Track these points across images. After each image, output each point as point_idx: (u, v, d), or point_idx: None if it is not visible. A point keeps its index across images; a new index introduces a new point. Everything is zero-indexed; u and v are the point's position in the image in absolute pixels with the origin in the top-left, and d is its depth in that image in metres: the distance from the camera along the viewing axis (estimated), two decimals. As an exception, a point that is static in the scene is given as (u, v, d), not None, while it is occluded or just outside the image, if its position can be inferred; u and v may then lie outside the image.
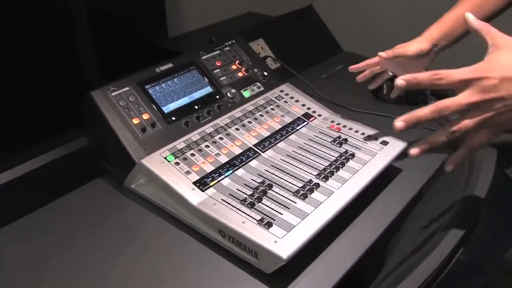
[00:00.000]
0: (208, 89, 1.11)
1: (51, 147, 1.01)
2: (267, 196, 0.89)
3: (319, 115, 1.15)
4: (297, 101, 1.19)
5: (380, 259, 0.91)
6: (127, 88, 1.01)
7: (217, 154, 0.98)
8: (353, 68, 1.12)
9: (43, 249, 0.86)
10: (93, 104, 0.97)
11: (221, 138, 1.02)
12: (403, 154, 1.00)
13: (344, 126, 1.11)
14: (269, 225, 0.81)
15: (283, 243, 0.78)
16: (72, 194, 0.99)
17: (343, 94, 1.34)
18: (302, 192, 0.89)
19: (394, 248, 0.91)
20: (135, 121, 0.98)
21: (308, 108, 1.17)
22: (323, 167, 0.97)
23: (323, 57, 1.69)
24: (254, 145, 1.02)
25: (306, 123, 1.12)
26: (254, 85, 1.18)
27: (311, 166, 0.97)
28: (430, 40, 1.03)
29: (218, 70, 1.16)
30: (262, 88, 1.19)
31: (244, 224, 0.82)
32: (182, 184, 0.90)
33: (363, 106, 1.29)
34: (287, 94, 1.20)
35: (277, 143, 1.04)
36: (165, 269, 0.83)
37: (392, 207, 0.96)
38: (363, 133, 1.08)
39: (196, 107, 1.07)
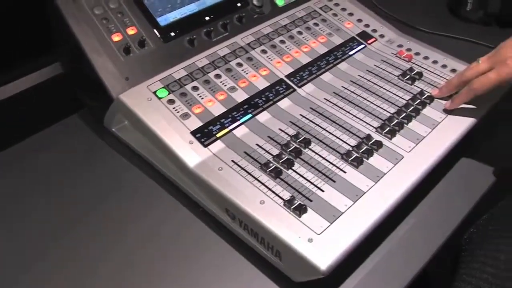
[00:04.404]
0: (226, -7, 0.79)
1: (19, 75, 0.77)
2: (301, 159, 0.59)
3: (382, 36, 0.83)
4: (351, 14, 0.86)
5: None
6: (106, -11, 0.70)
7: (232, 89, 0.68)
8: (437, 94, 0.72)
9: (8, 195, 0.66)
10: (59, 14, 0.68)
11: (239, 65, 0.71)
12: None
13: (417, 54, 0.80)
14: (301, 210, 0.52)
15: (323, 243, 0.50)
16: (42, 134, 0.76)
17: (412, 9, 1.05)
18: (356, 154, 0.59)
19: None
20: (116, 37, 0.69)
21: (367, 26, 0.84)
22: (388, 115, 0.66)
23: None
24: (286, 76, 0.72)
25: (363, 46, 0.80)
26: (291, -10, 0.85)
27: (371, 113, 0.66)
28: None
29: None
30: (303, -6, 0.86)
31: (263, 205, 0.53)
32: (175, 134, 0.60)
33: (439, 26, 0.99)
34: (337, 5, 0.87)
35: (320, 75, 0.73)
36: (149, 247, 0.58)
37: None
38: (444, 65, 0.76)
39: (206, 18, 0.76)
